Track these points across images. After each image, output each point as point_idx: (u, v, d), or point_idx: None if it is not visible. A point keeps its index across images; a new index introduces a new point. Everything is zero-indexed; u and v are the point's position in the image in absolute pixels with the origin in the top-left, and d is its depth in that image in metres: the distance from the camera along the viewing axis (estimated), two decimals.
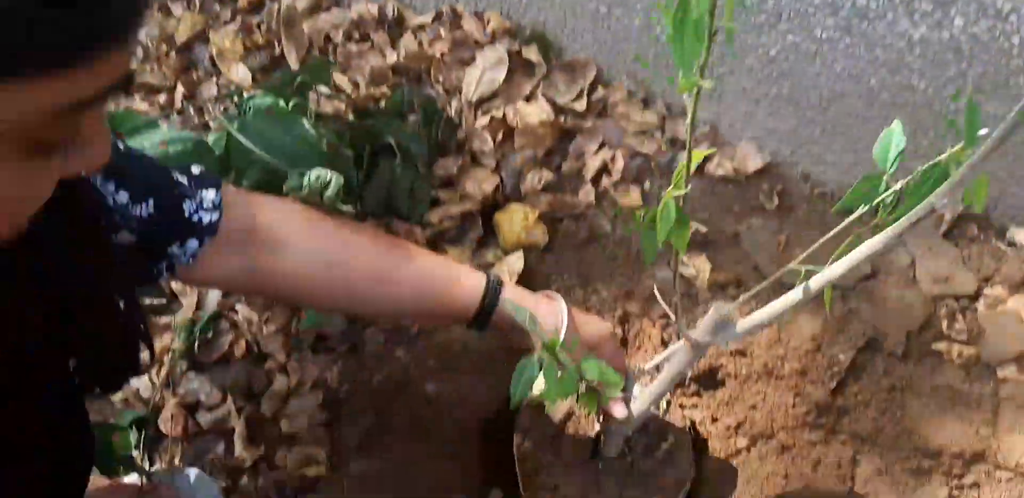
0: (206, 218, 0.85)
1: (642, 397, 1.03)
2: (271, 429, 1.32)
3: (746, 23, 1.53)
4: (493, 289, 1.02)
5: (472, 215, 1.58)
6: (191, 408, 1.36)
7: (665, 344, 1.35)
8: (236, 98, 1.23)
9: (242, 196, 0.92)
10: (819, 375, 1.21)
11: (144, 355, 0.74)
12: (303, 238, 0.94)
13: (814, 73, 1.49)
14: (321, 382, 1.36)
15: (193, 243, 0.85)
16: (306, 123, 1.17)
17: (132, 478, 1.23)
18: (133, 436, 1.27)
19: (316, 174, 0.98)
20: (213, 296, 1.47)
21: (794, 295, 0.92)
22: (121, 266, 0.74)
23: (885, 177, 0.82)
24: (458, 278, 1.03)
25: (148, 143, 1.03)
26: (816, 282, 0.91)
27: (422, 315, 1.06)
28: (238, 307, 1.45)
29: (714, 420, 1.24)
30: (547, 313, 1.03)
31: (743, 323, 0.91)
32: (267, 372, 1.38)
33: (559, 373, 0.79)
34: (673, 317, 0.93)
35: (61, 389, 0.72)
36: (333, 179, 0.98)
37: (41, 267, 0.60)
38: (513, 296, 1.05)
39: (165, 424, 1.33)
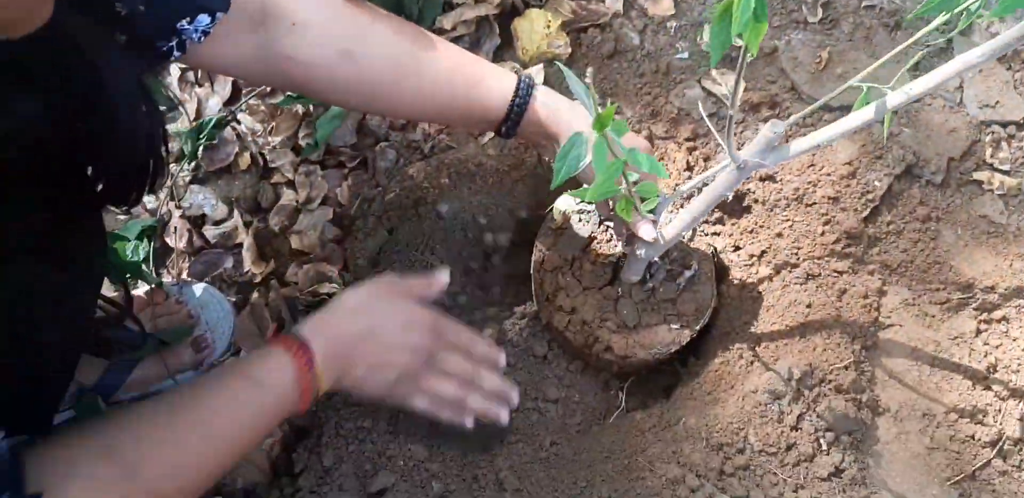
0: None
1: (675, 220, 0.96)
2: (281, 244, 1.26)
3: None
4: (525, 89, 0.92)
5: (488, 21, 1.42)
6: (197, 221, 1.29)
7: (691, 168, 1.26)
8: None
9: None
10: (852, 202, 1.14)
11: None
12: (319, 21, 0.84)
13: None
14: (331, 198, 1.29)
15: (204, 18, 0.76)
16: None
17: (141, 289, 1.21)
18: (142, 247, 1.22)
19: None
20: (214, 102, 1.36)
21: (863, 115, 0.84)
22: (133, 41, 0.66)
23: None
24: (487, 75, 0.92)
25: None
26: (895, 100, 0.82)
27: (446, 114, 0.95)
28: (240, 117, 1.34)
29: (736, 248, 1.18)
30: (581, 116, 0.93)
31: (799, 143, 0.82)
32: (274, 186, 1.30)
33: (608, 155, 0.71)
34: (716, 134, 0.84)
35: (77, 199, 0.66)
36: None
37: (57, 48, 0.53)
38: (546, 98, 0.94)
39: (170, 238, 1.28)
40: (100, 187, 0.62)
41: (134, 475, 0.69)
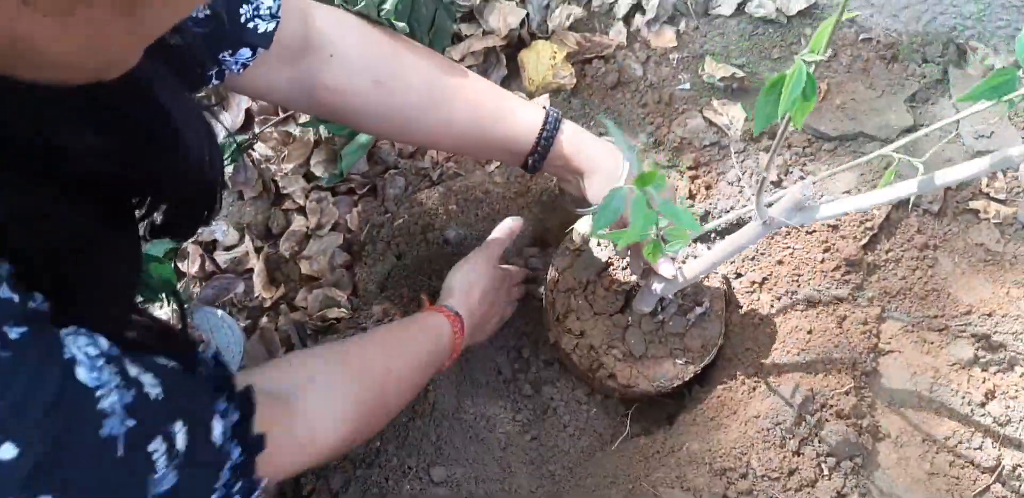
0: (261, 27, 0.78)
1: (696, 263, 0.96)
2: (291, 270, 1.29)
3: None
4: (553, 122, 0.95)
5: (496, 52, 1.46)
6: (208, 247, 1.32)
7: (693, 197, 1.29)
8: None
9: (297, 3, 0.83)
10: (851, 230, 1.16)
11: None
12: (356, 52, 0.87)
13: None
14: (341, 224, 1.32)
15: (245, 52, 0.79)
16: None
17: (160, 314, 1.22)
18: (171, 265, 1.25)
19: None
20: (227, 123, 1.39)
21: (902, 191, 0.83)
22: (180, 69, 0.65)
23: (1020, 73, 0.72)
24: (516, 108, 0.95)
25: None
26: (944, 177, 0.82)
27: (474, 145, 0.97)
28: (255, 145, 1.37)
29: (738, 275, 1.21)
30: (607, 152, 0.96)
31: (829, 208, 0.80)
32: (285, 212, 1.33)
33: (646, 209, 0.74)
34: (749, 192, 0.86)
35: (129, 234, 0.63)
36: None
37: (119, 82, 0.53)
38: (573, 133, 0.97)
39: (183, 263, 1.30)
40: (162, 219, 0.62)
41: (361, 380, 0.84)
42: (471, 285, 1.07)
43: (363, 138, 1.27)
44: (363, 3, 0.87)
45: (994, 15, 1.36)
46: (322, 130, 1.34)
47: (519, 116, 0.95)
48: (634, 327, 1.08)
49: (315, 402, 0.77)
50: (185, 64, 0.69)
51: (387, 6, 0.86)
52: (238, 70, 0.80)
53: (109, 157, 0.52)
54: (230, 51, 0.78)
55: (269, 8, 0.78)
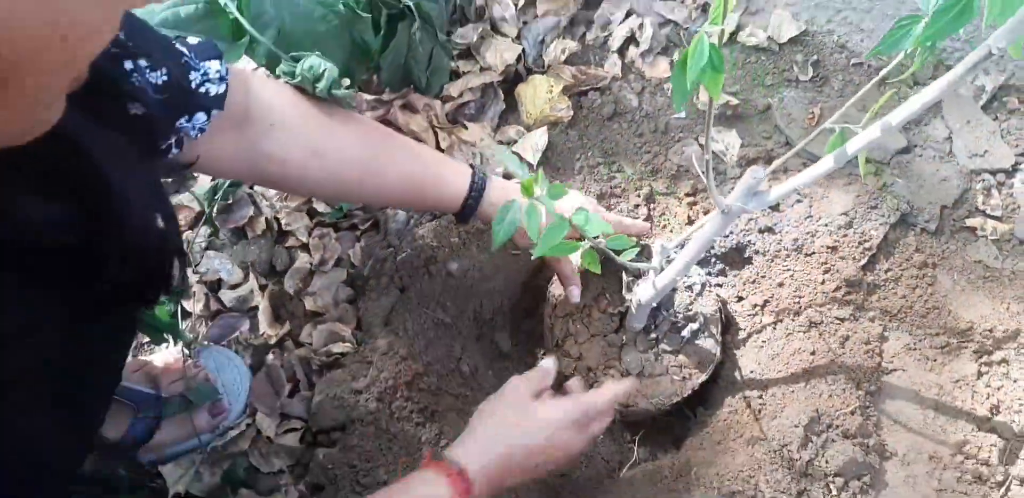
0: (213, 90, 0.82)
1: (669, 268, 1.01)
2: (295, 307, 1.32)
3: None
4: (479, 182, 1.04)
5: (493, 87, 1.51)
6: (213, 286, 1.35)
7: (691, 222, 1.33)
8: None
9: (237, 72, 0.88)
10: (850, 251, 1.19)
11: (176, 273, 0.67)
12: (294, 122, 0.92)
13: None
14: (344, 259, 1.35)
15: (201, 116, 0.82)
16: None
17: (159, 356, 1.25)
18: (168, 308, 1.28)
19: (309, 63, 0.92)
20: None
21: (830, 160, 0.88)
22: (139, 141, 0.67)
23: (925, 20, 0.75)
24: (445, 174, 1.04)
25: (158, 4, 0.98)
26: (855, 144, 0.87)
27: (409, 206, 1.08)
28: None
29: (740, 298, 1.24)
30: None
31: (777, 189, 0.87)
32: (289, 249, 1.37)
33: (542, 217, 0.77)
34: (704, 179, 0.89)
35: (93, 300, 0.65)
36: (327, 71, 0.92)
37: (66, 148, 0.54)
38: (500, 188, 1.06)
39: (188, 302, 1.34)
40: (113, 289, 0.63)
41: None
42: (496, 427, 0.90)
43: None
44: (299, 78, 0.92)
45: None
46: None
47: (448, 179, 1.04)
48: (629, 346, 1.11)
49: None
50: (145, 134, 0.73)
51: (321, 85, 0.91)
52: (196, 135, 0.83)
53: (62, 229, 0.55)
54: (187, 117, 0.81)
55: (218, 72, 0.82)
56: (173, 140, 0.82)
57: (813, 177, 0.85)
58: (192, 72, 0.80)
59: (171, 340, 1.31)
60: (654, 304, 1.08)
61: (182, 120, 0.81)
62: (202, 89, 0.81)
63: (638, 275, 1.13)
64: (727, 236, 1.27)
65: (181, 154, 0.84)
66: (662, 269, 1.02)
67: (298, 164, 0.93)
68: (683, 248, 0.97)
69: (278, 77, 0.94)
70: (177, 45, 0.81)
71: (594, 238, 0.82)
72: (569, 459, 0.92)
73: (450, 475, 0.83)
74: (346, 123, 0.97)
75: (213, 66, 0.82)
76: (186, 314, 1.32)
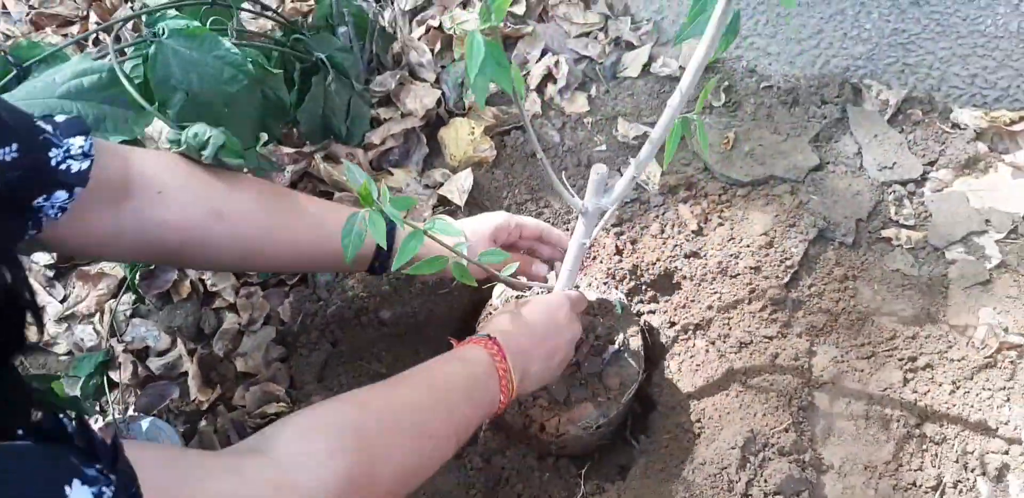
0: (75, 166, 0.79)
1: (559, 279, 1.08)
2: (226, 369, 1.33)
3: None
4: (388, 232, 1.03)
5: (415, 133, 1.56)
6: (140, 354, 1.35)
7: (620, 252, 1.37)
8: (146, 19, 1.16)
9: (114, 146, 0.87)
10: (772, 270, 1.25)
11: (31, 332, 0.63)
12: (183, 186, 0.90)
13: None
14: (273, 317, 1.37)
15: (61, 194, 0.79)
16: (227, 42, 1.12)
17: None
18: (93, 382, 1.27)
19: (194, 131, 0.94)
20: None
21: (650, 140, 0.91)
22: None
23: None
24: None
25: (59, 76, 0.99)
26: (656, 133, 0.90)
27: (318, 261, 1.05)
28: None
29: (672, 324, 1.28)
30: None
31: (620, 182, 0.91)
32: (216, 311, 1.38)
33: (381, 223, 0.80)
34: (562, 189, 0.93)
35: None
36: (212, 138, 0.94)
37: None
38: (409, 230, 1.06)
39: (115, 372, 1.33)
40: None
41: (362, 408, 0.78)
42: (532, 323, 1.02)
43: None
44: (184, 146, 0.93)
45: (882, 53, 1.49)
46: None
47: None
48: None
49: (290, 442, 0.70)
50: None
51: (207, 152, 0.93)
52: (55, 214, 0.80)
53: None
54: (44, 195, 0.78)
55: (80, 147, 0.80)
56: (30, 221, 0.79)
57: (641, 160, 0.88)
58: (53, 148, 0.78)
59: (99, 414, 1.31)
60: None
61: (39, 199, 0.78)
62: (63, 166, 0.78)
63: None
64: (655, 263, 1.31)
65: (41, 235, 0.81)
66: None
67: (199, 227, 0.91)
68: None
69: (169, 148, 0.95)
70: (40, 123, 0.79)
71: (457, 248, 0.87)
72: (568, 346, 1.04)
73: (480, 342, 0.95)
74: (243, 185, 0.96)
75: (76, 142, 0.80)
76: (113, 384, 1.31)
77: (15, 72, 0.99)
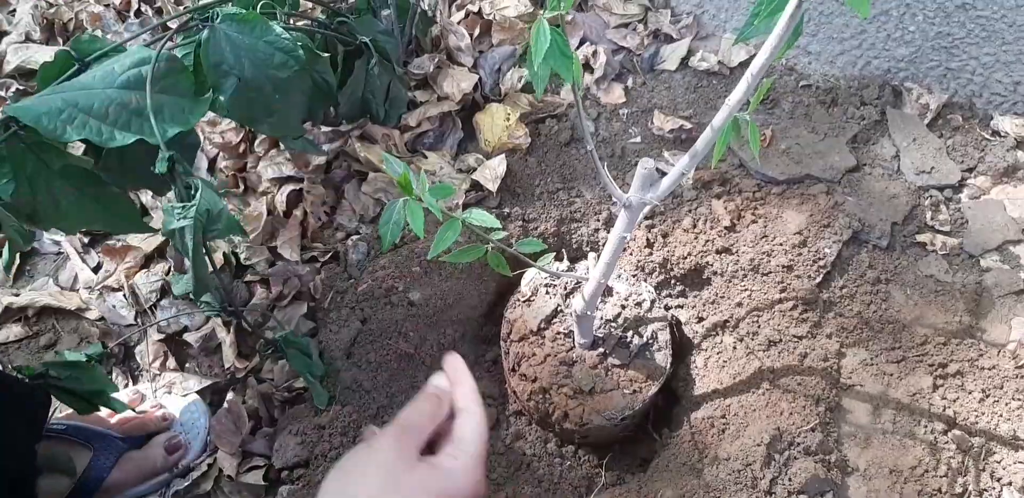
0: None
1: (593, 272, 1.03)
2: (255, 342, 1.32)
3: None
4: None
5: (451, 116, 1.53)
6: (174, 333, 1.34)
7: (651, 245, 1.34)
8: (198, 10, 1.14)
9: None
10: (805, 269, 1.22)
11: None
12: None
13: None
14: (304, 293, 1.35)
15: None
16: (278, 27, 1.10)
17: (116, 395, 1.24)
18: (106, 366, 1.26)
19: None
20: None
21: (704, 135, 0.89)
22: None
23: None
24: None
25: (118, 66, 0.97)
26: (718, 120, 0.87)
27: None
28: None
29: (700, 319, 1.25)
30: None
31: (667, 177, 0.87)
32: (248, 284, 1.37)
33: (419, 213, 0.79)
34: (608, 181, 0.90)
35: None
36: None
37: None
38: None
39: (141, 355, 1.32)
40: None
41: None
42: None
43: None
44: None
45: (925, 56, 1.45)
46: (278, 203, 1.39)
47: None
48: (579, 363, 1.12)
49: None
50: None
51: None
52: None
53: None
54: None
55: None
56: None
57: (695, 154, 0.86)
58: None
59: (131, 382, 1.30)
60: (597, 316, 1.10)
61: None
62: None
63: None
64: (686, 258, 1.29)
65: None
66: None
67: None
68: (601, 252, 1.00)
69: None
70: None
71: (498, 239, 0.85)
72: None
73: None
74: None
75: None
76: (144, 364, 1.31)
77: (76, 67, 0.97)
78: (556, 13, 0.68)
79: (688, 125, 1.47)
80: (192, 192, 0.93)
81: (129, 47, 1.01)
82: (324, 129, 1.49)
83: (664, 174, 0.91)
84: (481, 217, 0.85)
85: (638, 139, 1.50)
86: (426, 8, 1.62)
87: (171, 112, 0.97)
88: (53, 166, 0.92)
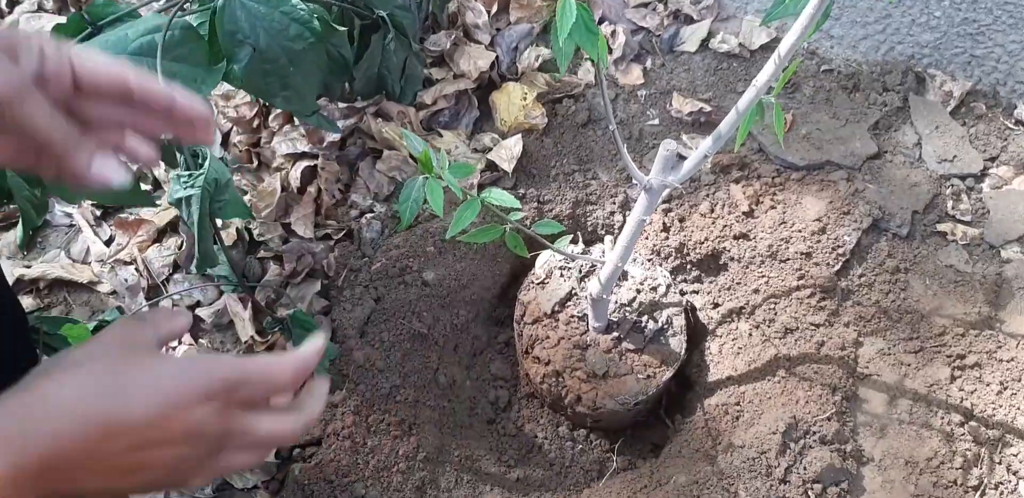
0: None
1: (610, 254, 1.01)
2: (264, 320, 1.31)
3: None
4: None
5: (467, 95, 1.50)
6: (187, 307, 1.33)
7: (667, 229, 1.33)
8: None
9: None
10: (823, 257, 1.20)
11: None
12: None
13: None
14: (318, 270, 1.34)
15: None
16: None
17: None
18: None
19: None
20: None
21: (729, 118, 0.87)
22: None
23: None
24: None
25: (131, 32, 0.95)
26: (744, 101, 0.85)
27: None
28: None
29: (716, 305, 1.24)
30: None
31: (689, 160, 0.86)
32: (260, 260, 1.36)
33: (439, 191, 0.78)
34: (629, 163, 0.88)
35: None
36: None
37: None
38: None
39: None
40: None
41: None
42: (73, 398, 0.46)
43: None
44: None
45: (950, 43, 1.42)
46: (292, 180, 1.37)
47: None
48: (593, 347, 1.11)
49: None
50: None
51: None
52: None
53: None
54: None
55: None
56: None
57: (720, 140, 0.84)
58: None
59: None
60: (612, 299, 1.08)
61: None
62: None
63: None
64: (703, 242, 1.27)
65: None
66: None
67: None
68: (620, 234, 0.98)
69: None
70: None
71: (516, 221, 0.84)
72: (192, 452, 0.49)
73: None
74: None
75: None
76: None
77: (89, 30, 0.95)
78: None
79: (707, 108, 1.44)
80: (200, 161, 0.92)
81: (144, 13, 0.99)
82: (339, 105, 1.46)
83: (683, 157, 0.89)
84: (500, 197, 0.84)
85: (656, 121, 1.48)
86: None
87: (184, 81, 0.95)
88: None
